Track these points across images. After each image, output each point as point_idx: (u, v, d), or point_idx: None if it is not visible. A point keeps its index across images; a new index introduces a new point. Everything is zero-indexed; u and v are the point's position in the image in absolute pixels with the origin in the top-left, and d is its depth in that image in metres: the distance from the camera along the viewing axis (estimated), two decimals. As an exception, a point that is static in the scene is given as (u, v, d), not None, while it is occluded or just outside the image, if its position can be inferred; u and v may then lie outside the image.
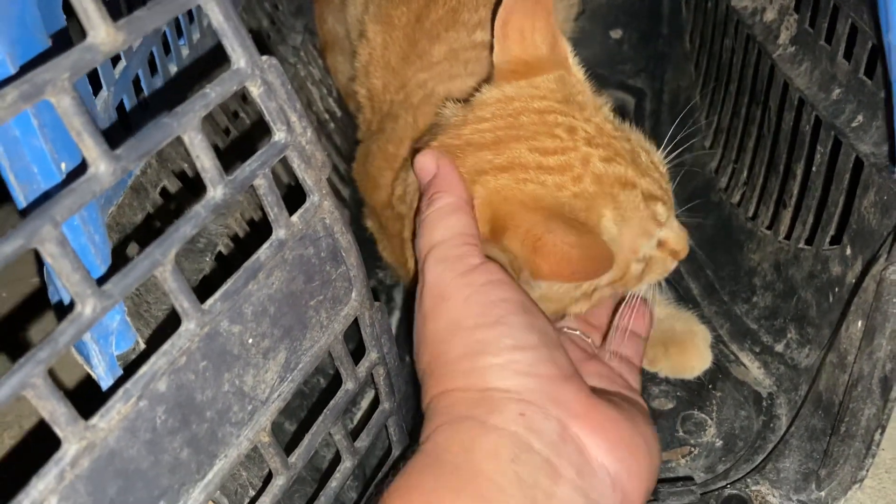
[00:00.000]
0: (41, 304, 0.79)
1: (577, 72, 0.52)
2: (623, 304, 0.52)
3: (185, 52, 0.62)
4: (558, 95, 0.49)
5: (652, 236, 0.48)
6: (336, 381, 0.66)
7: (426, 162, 0.46)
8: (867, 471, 0.43)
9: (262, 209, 0.67)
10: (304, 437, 0.41)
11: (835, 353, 0.47)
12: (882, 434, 0.41)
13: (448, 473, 0.35)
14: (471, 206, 0.44)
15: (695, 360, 0.61)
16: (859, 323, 0.43)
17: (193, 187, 0.60)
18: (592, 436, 0.37)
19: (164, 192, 0.56)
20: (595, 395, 0.39)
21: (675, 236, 0.50)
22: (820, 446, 0.48)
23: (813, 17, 0.59)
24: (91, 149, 0.28)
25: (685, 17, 0.90)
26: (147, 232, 0.52)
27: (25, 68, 0.29)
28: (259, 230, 0.65)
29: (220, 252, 0.59)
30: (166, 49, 0.59)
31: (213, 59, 0.66)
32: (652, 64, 0.96)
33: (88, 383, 0.41)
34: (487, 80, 0.53)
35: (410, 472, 0.36)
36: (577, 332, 0.52)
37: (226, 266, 0.58)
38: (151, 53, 0.55)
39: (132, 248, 0.49)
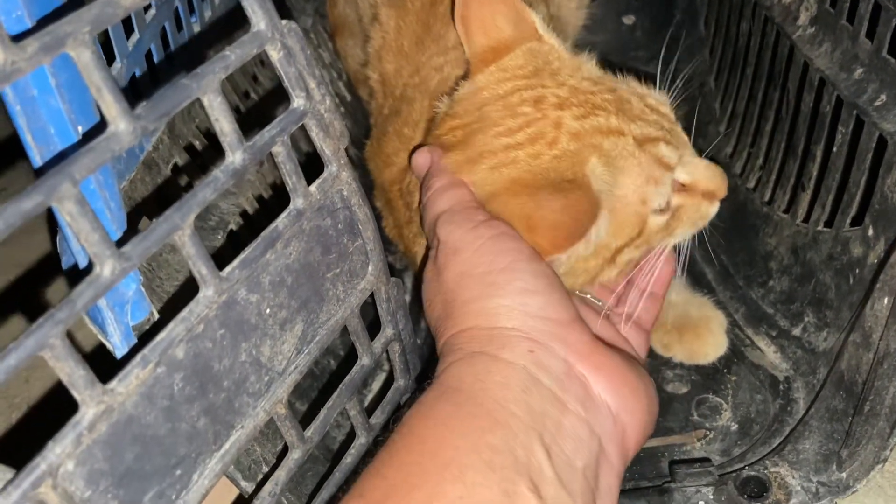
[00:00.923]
0: (39, 286, 0.78)
1: (549, 37, 0.51)
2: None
3: (196, 28, 0.62)
4: (527, 70, 0.49)
5: (661, 182, 0.46)
6: (346, 364, 0.65)
7: (420, 159, 0.49)
8: (891, 450, 0.42)
9: (272, 187, 0.67)
10: (319, 412, 0.41)
11: (858, 332, 0.46)
12: (908, 413, 0.41)
13: (463, 400, 0.36)
14: (466, 185, 0.46)
15: (709, 346, 0.60)
16: (885, 300, 0.42)
17: (204, 163, 0.59)
18: (595, 374, 0.38)
19: (174, 168, 0.55)
20: (599, 340, 0.41)
21: (704, 175, 0.47)
22: (841, 427, 0.48)
23: (834, -3, 0.58)
24: (111, 106, 0.27)
25: (699, 2, 0.89)
26: (158, 207, 0.52)
27: (43, 23, 0.28)
28: (270, 209, 0.64)
29: (231, 231, 0.59)
30: (178, 27, 0.58)
31: (224, 34, 0.65)
32: (665, 50, 0.94)
33: (95, 359, 0.40)
34: (464, 75, 0.53)
35: (426, 401, 0.37)
36: (588, 296, 0.51)
37: (237, 245, 0.57)
38: (164, 28, 0.55)
39: (144, 223, 0.49)
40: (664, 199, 0.46)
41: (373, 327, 0.45)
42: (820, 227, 0.58)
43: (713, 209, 0.49)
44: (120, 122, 0.27)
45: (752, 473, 0.49)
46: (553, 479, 0.34)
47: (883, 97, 0.50)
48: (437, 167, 0.48)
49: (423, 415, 0.36)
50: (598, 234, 0.45)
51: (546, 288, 0.40)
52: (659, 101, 0.50)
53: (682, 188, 0.47)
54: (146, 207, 0.50)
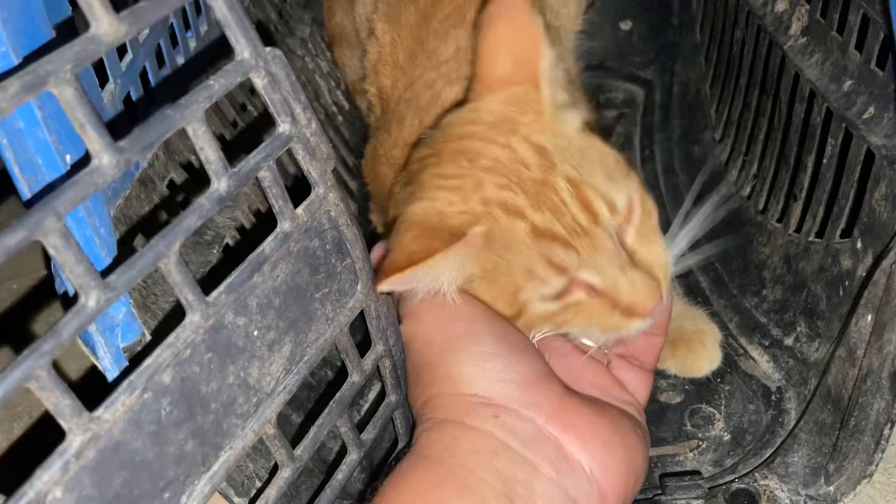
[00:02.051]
0: (50, 295, 0.79)
1: (546, 86, 0.48)
2: None
3: (192, 44, 0.62)
4: (493, 117, 0.48)
5: (543, 281, 0.44)
6: (343, 374, 0.66)
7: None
8: (876, 465, 0.42)
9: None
10: (309, 430, 0.41)
11: (844, 347, 0.46)
12: (892, 429, 0.41)
13: (433, 468, 0.37)
14: None
15: (703, 360, 0.60)
16: (869, 317, 0.43)
17: (200, 179, 0.60)
18: (566, 433, 0.38)
19: (171, 185, 0.56)
20: (570, 395, 0.40)
21: (620, 288, 0.43)
22: (829, 441, 0.48)
23: (824, 8, 0.58)
24: (94, 141, 0.28)
25: (695, 8, 0.89)
26: (154, 224, 0.52)
27: (29, 59, 0.29)
28: (267, 221, 0.65)
29: (227, 244, 0.59)
30: (173, 42, 0.59)
31: (223, 50, 0.66)
32: (662, 55, 0.95)
33: (94, 373, 0.41)
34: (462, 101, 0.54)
35: (400, 470, 0.38)
36: (585, 341, 0.49)
37: (233, 258, 0.58)
38: (159, 45, 0.55)
39: (139, 241, 0.49)
40: (538, 295, 0.44)
41: (363, 344, 0.46)
42: (811, 238, 0.58)
43: (631, 325, 0.45)
44: (103, 156, 0.28)
45: (742, 486, 0.49)
46: None
47: (871, 110, 0.50)
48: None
49: (395, 483, 0.37)
50: (430, 283, 0.44)
51: (507, 350, 0.40)
52: (605, 203, 0.45)
53: (594, 291, 0.45)
54: (142, 224, 0.51)
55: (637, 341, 0.48)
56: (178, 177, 0.57)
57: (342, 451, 0.58)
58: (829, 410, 0.48)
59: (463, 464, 0.36)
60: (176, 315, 0.48)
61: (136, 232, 0.50)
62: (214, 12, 0.32)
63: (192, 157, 0.60)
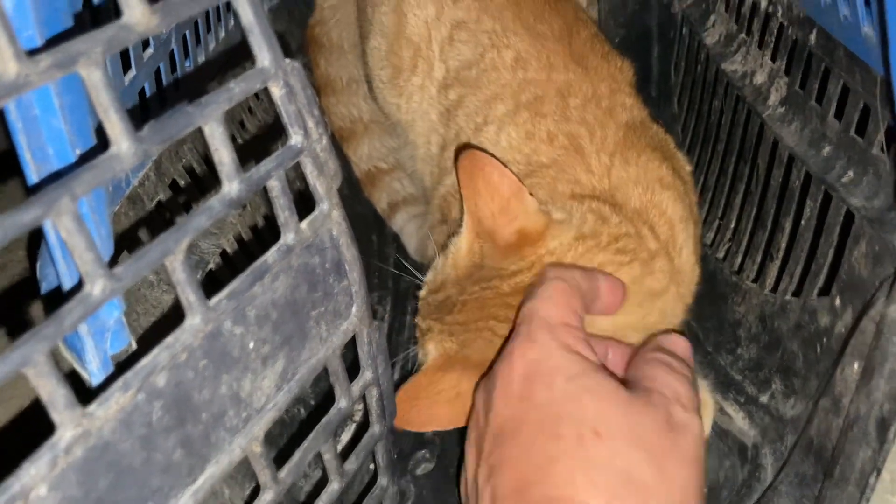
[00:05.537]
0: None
1: None
2: None
3: (200, 58, 0.63)
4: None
5: None
6: (316, 413, 0.64)
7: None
8: (860, 516, 0.43)
9: (251, 228, 0.67)
10: (293, 454, 0.40)
11: (828, 397, 0.47)
12: (877, 477, 0.41)
13: None
14: None
15: None
16: (855, 365, 0.44)
17: (187, 202, 0.59)
18: None
19: (158, 204, 0.55)
20: None
21: None
22: (811, 492, 0.48)
23: (804, 80, 0.61)
24: (116, 126, 0.27)
25: (674, 81, 0.93)
26: (138, 243, 0.52)
27: (52, 42, 0.29)
28: (249, 253, 0.64)
29: (210, 270, 0.58)
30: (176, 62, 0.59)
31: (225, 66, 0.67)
32: (639, 123, 0.98)
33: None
34: None
35: None
36: None
37: (216, 285, 0.57)
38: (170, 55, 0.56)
39: (123, 258, 0.49)
40: None
41: (349, 372, 0.45)
42: (788, 297, 0.59)
43: None
44: (123, 143, 0.28)
45: (723, 536, 0.49)
46: None
47: (850, 174, 0.52)
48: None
49: None
50: None
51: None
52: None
53: None
54: (127, 242, 0.50)
55: None
56: (166, 197, 0.56)
57: (313, 493, 0.56)
58: (811, 462, 0.49)
59: None
60: (153, 336, 0.46)
61: (120, 249, 0.49)
62: (240, 18, 0.33)
63: (181, 181, 0.60)
